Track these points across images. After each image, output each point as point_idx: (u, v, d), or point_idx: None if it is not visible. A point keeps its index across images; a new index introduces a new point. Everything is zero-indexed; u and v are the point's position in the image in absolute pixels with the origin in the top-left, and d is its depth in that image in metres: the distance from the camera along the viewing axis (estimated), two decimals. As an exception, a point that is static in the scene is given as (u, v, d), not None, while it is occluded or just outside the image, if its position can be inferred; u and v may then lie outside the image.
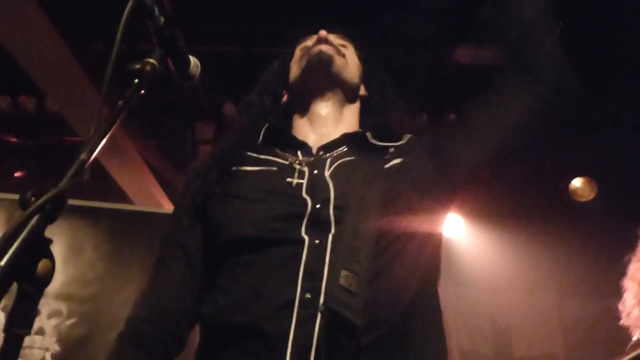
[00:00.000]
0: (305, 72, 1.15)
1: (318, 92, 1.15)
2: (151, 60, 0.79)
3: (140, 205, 3.85)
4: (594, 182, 3.98)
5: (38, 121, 4.01)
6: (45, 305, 2.87)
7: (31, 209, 0.52)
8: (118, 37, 0.71)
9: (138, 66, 0.77)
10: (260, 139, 1.11)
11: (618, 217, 3.92)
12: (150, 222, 3.24)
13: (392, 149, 1.08)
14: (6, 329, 0.50)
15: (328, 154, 1.06)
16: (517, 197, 4.06)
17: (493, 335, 4.30)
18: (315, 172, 1.00)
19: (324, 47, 1.14)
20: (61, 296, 2.90)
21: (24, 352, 2.77)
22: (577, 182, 4.00)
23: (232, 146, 1.12)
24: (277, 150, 1.08)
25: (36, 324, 2.83)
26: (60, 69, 3.11)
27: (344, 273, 0.84)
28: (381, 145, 1.09)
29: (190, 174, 1.12)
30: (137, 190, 3.95)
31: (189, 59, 0.91)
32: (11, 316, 0.50)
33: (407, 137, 1.13)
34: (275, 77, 1.25)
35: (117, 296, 3.03)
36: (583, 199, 3.99)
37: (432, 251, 1.01)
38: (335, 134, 1.11)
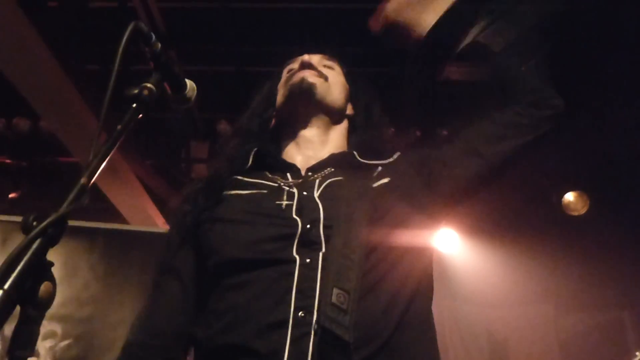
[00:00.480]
0: (288, 100, 1.18)
1: (302, 119, 1.18)
2: (148, 85, 0.81)
3: (135, 225, 3.84)
4: (586, 196, 4.02)
5: (32, 142, 4.01)
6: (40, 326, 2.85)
7: (33, 233, 0.53)
8: (117, 62, 0.73)
9: (136, 91, 0.78)
10: (250, 163, 1.13)
11: (612, 230, 3.96)
12: (145, 241, 3.24)
13: (380, 167, 1.10)
14: (9, 352, 0.51)
15: (316, 175, 1.08)
16: (511, 211, 4.09)
17: (489, 350, 4.30)
18: (305, 193, 1.02)
19: (306, 74, 1.16)
20: (56, 317, 2.89)
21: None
22: (570, 196, 4.04)
23: (222, 171, 1.14)
24: (267, 173, 1.10)
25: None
26: (55, 91, 3.13)
27: (335, 291, 0.85)
28: (369, 164, 1.11)
29: (181, 199, 1.14)
30: (132, 210, 3.95)
31: (185, 82, 0.93)
32: (14, 339, 0.51)
33: (396, 154, 1.15)
34: (264, 100, 1.27)
35: (112, 317, 3.01)
36: (576, 213, 4.03)
37: (422, 266, 1.03)
38: (322, 154, 1.14)
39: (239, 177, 1.10)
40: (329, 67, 1.24)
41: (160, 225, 4.10)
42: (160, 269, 1.08)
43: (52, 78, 3.05)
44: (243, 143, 1.20)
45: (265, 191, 1.05)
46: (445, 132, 3.99)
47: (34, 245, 0.54)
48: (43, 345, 2.85)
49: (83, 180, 0.62)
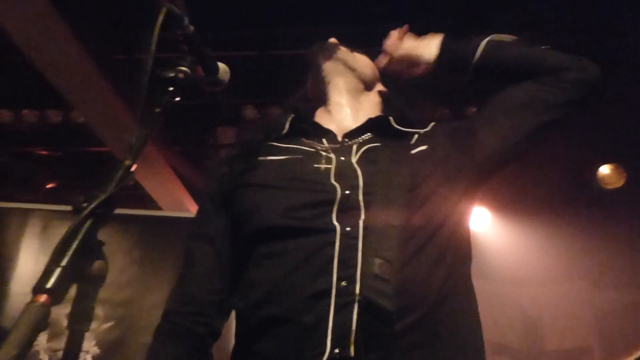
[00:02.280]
0: (313, 61, 1.21)
1: (328, 78, 1.18)
2: (183, 68, 0.82)
3: (167, 211, 3.92)
4: (622, 169, 3.91)
5: (65, 133, 4.11)
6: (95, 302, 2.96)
7: (84, 213, 0.55)
8: (152, 46, 0.74)
9: (172, 74, 0.79)
10: (286, 130, 1.13)
11: (649, 204, 3.85)
12: (178, 226, 3.30)
13: (416, 135, 1.10)
14: (69, 326, 0.54)
15: (353, 141, 1.08)
16: (543, 187, 4.02)
17: (523, 329, 4.26)
18: (342, 158, 1.01)
19: (330, 41, 1.22)
20: (97, 300, 2.98)
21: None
22: (605, 169, 3.93)
23: (257, 137, 1.15)
24: (303, 139, 1.10)
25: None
26: (85, 81, 3.20)
27: (377, 261, 0.85)
28: (406, 131, 1.11)
29: (216, 164, 1.14)
30: (164, 196, 4.03)
31: (217, 65, 0.94)
32: (72, 313, 0.54)
33: (431, 124, 1.15)
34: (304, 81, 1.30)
35: (149, 299, 3.10)
36: (612, 186, 3.93)
37: (460, 236, 1.02)
38: (357, 121, 1.13)
39: (275, 143, 1.10)
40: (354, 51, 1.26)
41: (192, 210, 4.17)
42: (194, 235, 1.08)
43: (82, 69, 3.11)
44: (283, 115, 1.21)
45: (301, 156, 1.05)
46: (474, 110, 3.93)
47: (86, 225, 0.55)
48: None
49: (127, 162, 0.64)
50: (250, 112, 4.16)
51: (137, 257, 3.15)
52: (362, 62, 1.23)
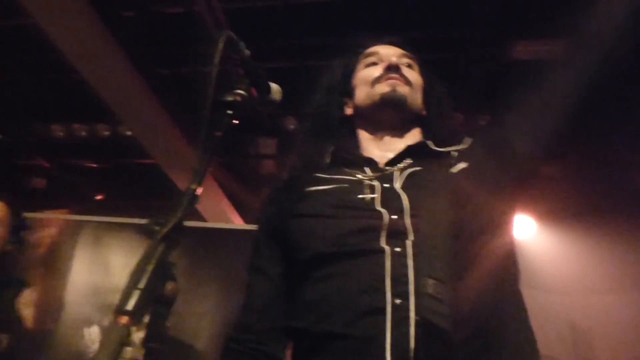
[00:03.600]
0: (377, 107, 1.19)
1: (386, 125, 1.20)
2: (240, 91, 0.85)
3: (212, 222, 4.00)
4: (675, 174, 3.75)
5: (113, 146, 4.27)
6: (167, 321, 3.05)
7: (158, 237, 0.58)
8: (214, 73, 0.77)
9: (230, 98, 0.82)
10: (328, 161, 1.16)
11: None
12: (222, 237, 3.37)
13: (455, 153, 1.11)
14: (145, 344, 0.57)
15: (395, 167, 1.10)
16: (591, 193, 3.90)
17: (572, 341, 4.13)
18: (386, 185, 1.04)
19: (396, 82, 1.18)
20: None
21: None
22: (656, 175, 3.79)
23: (300, 169, 1.18)
24: (344, 169, 1.13)
25: (126, 337, 3.00)
26: (133, 96, 3.32)
27: (430, 281, 0.87)
28: (444, 152, 1.12)
29: (264, 201, 1.19)
30: (209, 207, 4.12)
31: (270, 85, 0.97)
32: (148, 332, 0.57)
33: (468, 140, 1.15)
34: (338, 86, 1.28)
35: (197, 309, 3.16)
36: (664, 193, 3.77)
37: (507, 250, 1.02)
38: (398, 148, 1.16)
39: (318, 174, 1.13)
40: (410, 67, 1.24)
41: (235, 221, 4.25)
42: (251, 269, 1.13)
43: (129, 84, 3.23)
44: (318, 139, 1.22)
45: (346, 185, 1.07)
46: (487, 117, 3.85)
47: (159, 248, 0.58)
48: (137, 336, 3.03)
49: (193, 186, 0.66)
50: (290, 123, 4.21)
51: (185, 268, 3.22)
52: (418, 97, 1.22)
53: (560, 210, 3.96)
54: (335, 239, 0.98)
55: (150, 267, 0.57)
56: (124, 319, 0.52)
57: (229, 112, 0.81)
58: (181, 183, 3.90)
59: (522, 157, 1.07)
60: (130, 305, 0.53)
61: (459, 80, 3.48)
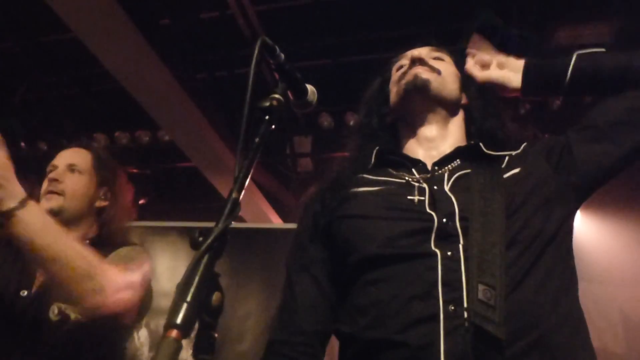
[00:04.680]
0: (403, 99, 1.17)
1: (419, 116, 1.17)
2: (276, 96, 0.85)
3: (250, 222, 4.03)
4: None
5: (153, 151, 4.37)
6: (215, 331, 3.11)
7: (202, 249, 0.59)
8: (250, 79, 0.77)
9: (267, 103, 0.82)
10: (373, 161, 1.14)
11: None
12: (263, 238, 3.40)
13: (507, 158, 1.07)
14: (194, 355, 0.57)
15: (443, 169, 1.07)
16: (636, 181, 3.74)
17: (624, 332, 3.98)
18: (435, 187, 1.01)
19: (418, 70, 1.15)
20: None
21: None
22: None
23: (345, 170, 1.16)
24: (390, 170, 1.11)
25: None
26: (171, 102, 3.38)
27: (481, 287, 0.84)
28: (496, 155, 1.08)
29: (308, 199, 1.17)
30: (247, 207, 4.16)
31: (306, 88, 0.97)
32: (196, 344, 0.57)
33: (522, 145, 1.12)
34: (377, 97, 1.28)
35: (240, 310, 3.20)
36: None
37: (564, 257, 0.99)
38: (445, 148, 1.12)
39: (364, 175, 1.11)
40: (439, 59, 1.21)
41: (273, 220, 4.28)
42: (294, 268, 1.11)
43: (168, 91, 3.29)
44: (363, 142, 1.21)
45: (393, 187, 1.05)
46: (557, 102, 3.73)
47: (204, 259, 0.59)
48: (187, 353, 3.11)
49: (234, 194, 0.66)
50: (325, 120, 4.21)
51: (226, 269, 3.27)
52: (450, 84, 1.18)
53: (608, 198, 3.82)
54: (385, 241, 0.96)
55: (196, 279, 0.57)
56: (174, 333, 0.52)
57: (267, 117, 0.81)
58: (220, 185, 3.95)
59: (580, 162, 1.03)
60: (179, 318, 0.53)
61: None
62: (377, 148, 1.16)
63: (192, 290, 0.56)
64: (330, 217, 1.07)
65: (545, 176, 1.02)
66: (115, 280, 1.24)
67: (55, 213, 1.41)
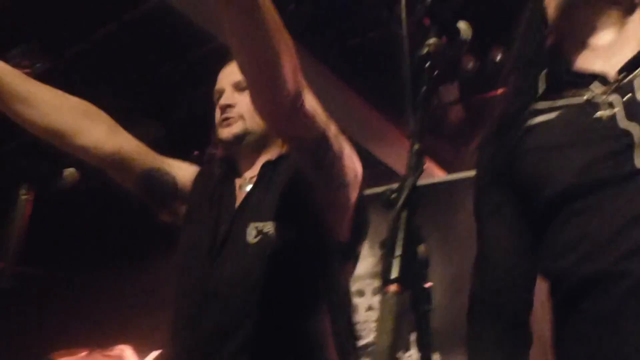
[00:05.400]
0: (567, 9, 1.04)
1: (589, 24, 1.03)
2: (432, 41, 0.82)
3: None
4: None
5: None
6: (367, 285, 3.24)
7: (399, 205, 0.60)
8: (404, 28, 0.76)
9: (424, 51, 0.80)
10: (543, 88, 1.05)
11: None
12: (434, 194, 3.35)
13: None
14: (414, 308, 0.59)
15: (632, 75, 0.94)
16: None
17: None
18: (627, 97, 0.90)
19: None
20: (377, 275, 3.24)
21: (363, 326, 3.18)
22: None
23: (513, 105, 1.08)
24: (566, 92, 1.01)
25: (365, 302, 3.21)
26: (311, 77, 3.46)
27: None
28: None
29: (480, 144, 1.12)
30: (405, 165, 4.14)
31: (458, 27, 0.92)
32: (413, 297, 0.59)
33: None
34: (531, 18, 1.16)
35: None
36: None
37: None
38: (626, 49, 0.98)
39: (536, 106, 1.03)
40: None
41: (437, 174, 4.21)
42: (482, 216, 1.09)
43: (306, 67, 3.37)
44: (525, 71, 1.11)
45: (574, 109, 0.96)
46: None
47: (403, 214, 0.60)
48: (374, 300, 3.24)
49: (416, 146, 0.66)
50: (468, 61, 3.97)
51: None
52: None
53: None
54: (581, 169, 0.89)
55: (400, 234, 0.58)
56: (394, 287, 0.54)
57: (427, 64, 0.79)
58: (377, 150, 3.98)
59: None
60: (394, 273, 0.55)
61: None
62: (544, 71, 1.06)
63: (398, 245, 0.57)
64: (509, 156, 1.02)
65: None
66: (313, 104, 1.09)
67: (240, 139, 1.29)
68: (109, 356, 2.77)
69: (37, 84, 1.26)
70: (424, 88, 0.76)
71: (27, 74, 1.26)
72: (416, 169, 0.64)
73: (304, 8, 3.41)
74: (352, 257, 1.25)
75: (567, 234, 0.90)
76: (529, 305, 1.02)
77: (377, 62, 3.55)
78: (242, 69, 1.05)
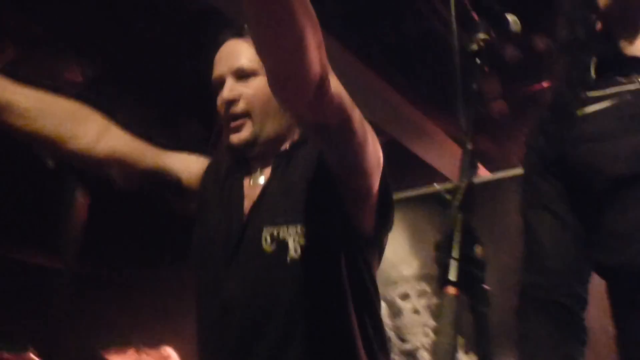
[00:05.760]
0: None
1: None
2: (481, 36, 0.81)
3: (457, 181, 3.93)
4: None
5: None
6: (412, 288, 3.20)
7: (455, 206, 0.59)
8: (454, 25, 0.75)
9: (474, 46, 0.79)
10: (593, 76, 1.03)
11: None
12: (477, 191, 3.28)
13: None
14: (472, 309, 0.58)
15: None
16: None
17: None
18: None
19: None
20: (422, 278, 3.19)
21: (408, 329, 3.14)
22: None
23: (563, 95, 1.06)
24: (618, 79, 0.99)
25: (410, 305, 3.16)
26: (347, 74, 3.45)
27: None
28: None
29: (530, 135, 1.11)
30: (448, 165, 4.08)
31: (507, 19, 0.90)
32: (472, 298, 0.58)
33: None
34: (578, 6, 1.13)
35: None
36: None
37: None
38: None
39: (587, 94, 1.01)
40: None
41: (480, 173, 4.12)
42: (530, 211, 1.06)
43: (341, 62, 3.35)
44: (574, 59, 1.09)
45: (628, 96, 0.95)
46: None
47: (458, 216, 0.59)
48: (420, 303, 3.19)
49: (469, 146, 0.65)
50: (511, 53, 3.87)
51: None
52: None
53: None
54: (634, 159, 0.88)
55: (457, 236, 0.57)
56: (452, 290, 0.54)
57: (478, 60, 0.77)
58: (420, 151, 3.93)
59: None
60: (452, 275, 0.54)
61: None
62: (595, 59, 1.04)
63: (455, 246, 0.56)
64: (561, 147, 1.00)
65: None
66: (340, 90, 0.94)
67: (251, 144, 1.13)
68: (159, 356, 2.83)
69: (20, 89, 1.14)
70: (475, 85, 0.74)
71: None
72: (470, 168, 0.63)
73: (342, 5, 3.40)
74: (378, 250, 1.17)
75: (621, 226, 0.88)
76: (583, 301, 0.99)
77: (417, 59, 3.51)
78: (261, 52, 0.88)
